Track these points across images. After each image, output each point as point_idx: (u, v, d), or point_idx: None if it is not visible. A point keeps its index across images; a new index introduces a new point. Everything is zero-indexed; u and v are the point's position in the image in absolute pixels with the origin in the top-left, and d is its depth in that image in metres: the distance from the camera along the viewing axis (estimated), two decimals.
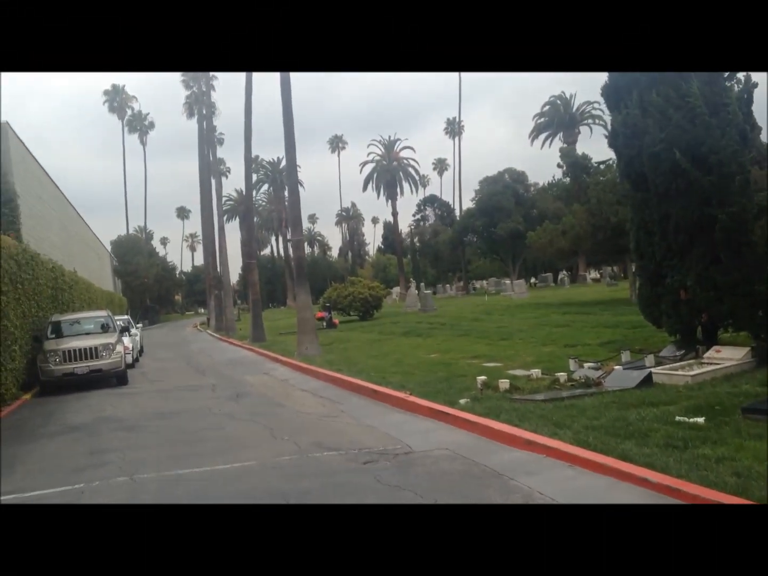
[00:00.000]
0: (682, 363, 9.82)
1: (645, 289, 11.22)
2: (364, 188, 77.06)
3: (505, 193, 56.94)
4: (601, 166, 22.61)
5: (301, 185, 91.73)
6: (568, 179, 26.40)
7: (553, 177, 71.99)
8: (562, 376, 9.52)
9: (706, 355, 9.82)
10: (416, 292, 38.23)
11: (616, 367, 9.84)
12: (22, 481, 6.64)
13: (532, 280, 67.32)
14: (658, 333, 14.19)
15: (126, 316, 24.98)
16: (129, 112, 70.76)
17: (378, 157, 76.44)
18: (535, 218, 57.06)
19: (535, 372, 10.21)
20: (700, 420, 6.55)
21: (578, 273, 62.37)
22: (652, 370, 9.21)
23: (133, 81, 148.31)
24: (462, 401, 8.55)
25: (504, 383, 9.28)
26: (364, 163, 77.63)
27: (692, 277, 9.78)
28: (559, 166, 27.90)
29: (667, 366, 9.68)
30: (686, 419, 6.60)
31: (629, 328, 15.58)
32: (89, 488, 6.14)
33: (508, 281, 58.53)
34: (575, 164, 25.18)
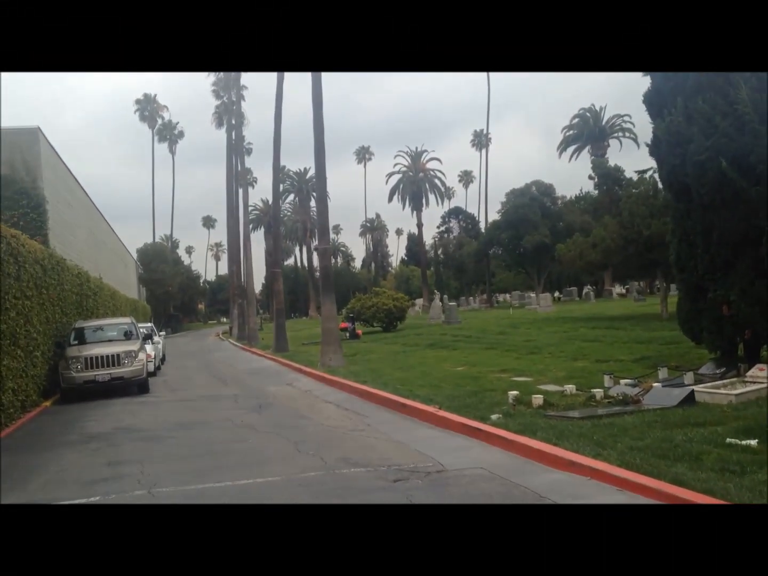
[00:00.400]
0: (724, 381, 9.35)
1: (685, 304, 10.78)
2: (390, 199, 77.06)
3: (531, 206, 56.42)
4: (638, 176, 22.07)
5: (328, 195, 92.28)
6: (597, 192, 25.82)
7: (581, 190, 71.32)
8: (598, 392, 9.11)
9: (749, 373, 9.34)
10: (440, 304, 37.79)
11: (655, 384, 9.38)
12: (37, 493, 6.40)
13: (556, 294, 66.57)
14: (693, 349, 13.68)
15: (149, 324, 24.92)
16: (159, 121, 71.47)
17: (404, 168, 76.39)
18: (562, 231, 56.48)
19: (569, 388, 9.80)
20: (753, 442, 6.12)
21: (604, 288, 61.56)
22: (694, 388, 8.76)
23: (164, 90, 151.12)
24: (494, 417, 8.18)
25: (537, 399, 8.89)
26: (390, 174, 77.70)
27: (736, 291, 9.32)
28: (590, 177, 27.44)
29: (709, 384, 9.22)
30: (738, 441, 6.17)
31: (663, 344, 15.08)
32: (105, 501, 5.86)
33: (532, 295, 57.93)
34: (607, 176, 24.65)
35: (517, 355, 16.24)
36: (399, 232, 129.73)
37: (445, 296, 56.41)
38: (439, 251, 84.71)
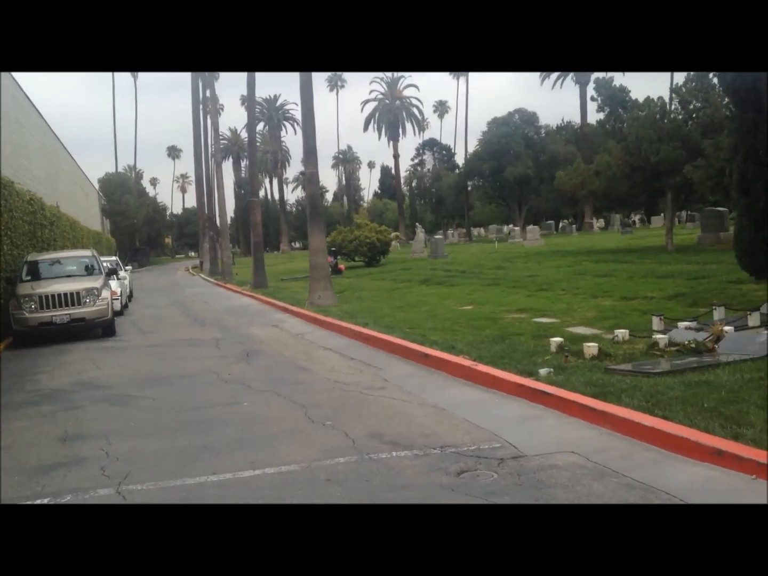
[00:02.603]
0: None
1: (747, 233, 9.23)
2: (365, 128, 73.86)
3: (514, 136, 54.17)
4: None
5: (298, 124, 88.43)
6: (603, 116, 23.91)
7: (562, 120, 69.11)
8: (661, 338, 7.56)
9: None
10: (423, 237, 36.04)
11: (726, 328, 7.85)
12: None
13: (529, 227, 65.01)
14: (731, 285, 12.27)
15: (114, 258, 22.76)
16: None
17: (380, 96, 72.97)
18: (545, 163, 54.58)
19: (621, 333, 8.24)
20: None
21: (584, 221, 60.14)
22: None
23: None
24: (542, 372, 6.59)
25: (590, 347, 7.31)
26: (366, 102, 74.24)
27: None
28: (592, 99, 25.33)
29: None
30: None
31: (690, 279, 13.61)
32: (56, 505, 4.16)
33: (510, 228, 56.31)
34: (612, 97, 22.73)
35: (527, 292, 14.70)
36: (371, 165, 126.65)
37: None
38: (414, 184, 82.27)
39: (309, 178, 15.37)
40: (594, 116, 43.68)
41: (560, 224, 62.88)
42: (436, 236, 34.37)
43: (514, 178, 53.72)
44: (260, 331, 12.55)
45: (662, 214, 32.61)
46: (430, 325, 10.90)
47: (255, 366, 8.98)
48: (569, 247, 29.46)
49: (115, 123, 67.54)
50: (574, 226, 58.25)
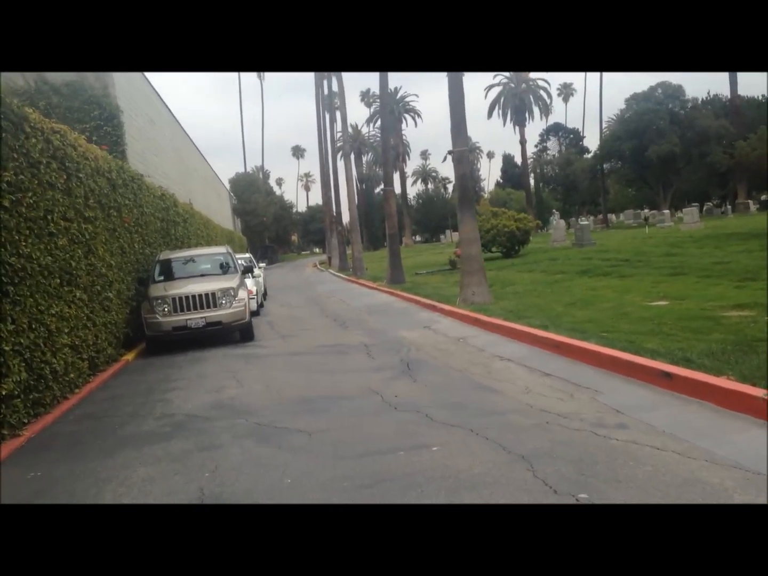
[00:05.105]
0: None
1: None
2: (489, 114, 71.08)
3: (658, 111, 49.55)
4: None
5: (419, 116, 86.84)
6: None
7: (708, 93, 62.91)
8: None
9: None
10: (564, 224, 33.13)
11: None
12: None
13: (686, 209, 59.37)
14: None
15: (248, 255, 21.94)
16: None
17: (505, 80, 69.84)
18: (691, 140, 49.60)
19: None
20: None
21: (735, 201, 54.00)
22: None
23: None
24: None
25: None
26: (490, 87, 71.39)
27: None
28: None
29: None
30: None
31: None
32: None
33: (647, 213, 51.33)
34: None
35: (730, 283, 12.01)
36: (490, 155, 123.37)
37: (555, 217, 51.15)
38: (542, 170, 78.29)
39: (458, 158, 13.40)
40: (746, 88, 38.72)
41: (704, 207, 57.07)
42: (582, 222, 31.34)
43: (658, 157, 49.20)
44: (412, 335, 10.76)
45: None
46: (626, 327, 8.67)
47: (422, 383, 7.15)
48: (735, 230, 25.49)
49: (243, 124, 68.86)
50: (722, 208, 52.46)
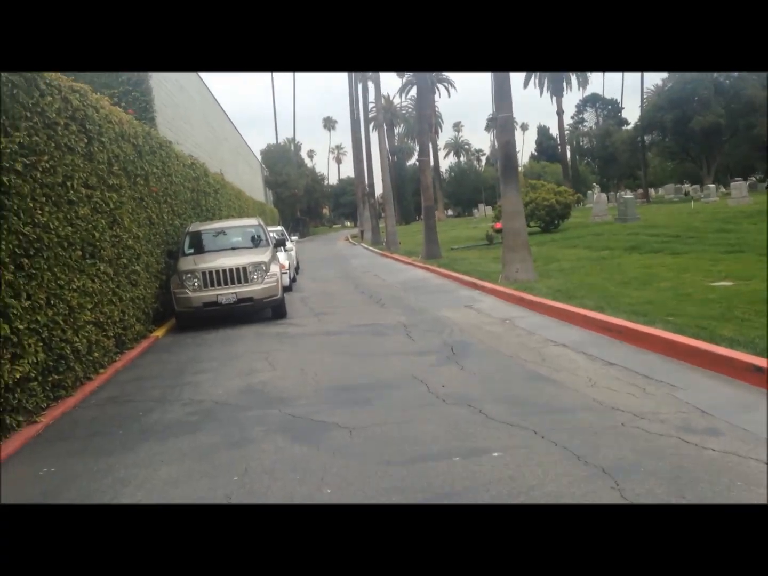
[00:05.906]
0: None
1: None
2: (525, 85, 69.03)
3: (702, 81, 47.38)
4: None
5: (453, 86, 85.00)
6: None
7: None
8: None
9: None
10: (605, 198, 31.90)
11: None
12: None
13: (734, 183, 57.12)
14: None
15: (280, 227, 21.38)
16: None
17: None
18: (737, 110, 47.44)
19: None
20: None
21: None
22: None
23: None
24: None
25: None
26: None
27: None
28: None
29: None
30: None
31: None
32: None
33: (689, 187, 49.38)
34: None
35: None
36: (524, 127, 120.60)
37: (594, 192, 49.61)
38: (579, 142, 76.15)
39: (502, 124, 12.56)
40: None
41: (747, 182, 54.80)
42: (626, 196, 30.13)
43: (702, 129, 47.21)
44: (454, 314, 10.11)
45: None
46: (692, 310, 7.91)
47: (471, 371, 6.51)
48: None
49: (274, 95, 68.09)
50: (767, 182, 50.24)
